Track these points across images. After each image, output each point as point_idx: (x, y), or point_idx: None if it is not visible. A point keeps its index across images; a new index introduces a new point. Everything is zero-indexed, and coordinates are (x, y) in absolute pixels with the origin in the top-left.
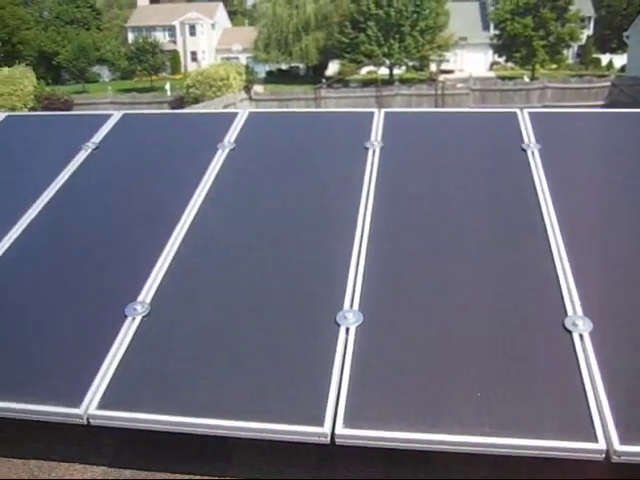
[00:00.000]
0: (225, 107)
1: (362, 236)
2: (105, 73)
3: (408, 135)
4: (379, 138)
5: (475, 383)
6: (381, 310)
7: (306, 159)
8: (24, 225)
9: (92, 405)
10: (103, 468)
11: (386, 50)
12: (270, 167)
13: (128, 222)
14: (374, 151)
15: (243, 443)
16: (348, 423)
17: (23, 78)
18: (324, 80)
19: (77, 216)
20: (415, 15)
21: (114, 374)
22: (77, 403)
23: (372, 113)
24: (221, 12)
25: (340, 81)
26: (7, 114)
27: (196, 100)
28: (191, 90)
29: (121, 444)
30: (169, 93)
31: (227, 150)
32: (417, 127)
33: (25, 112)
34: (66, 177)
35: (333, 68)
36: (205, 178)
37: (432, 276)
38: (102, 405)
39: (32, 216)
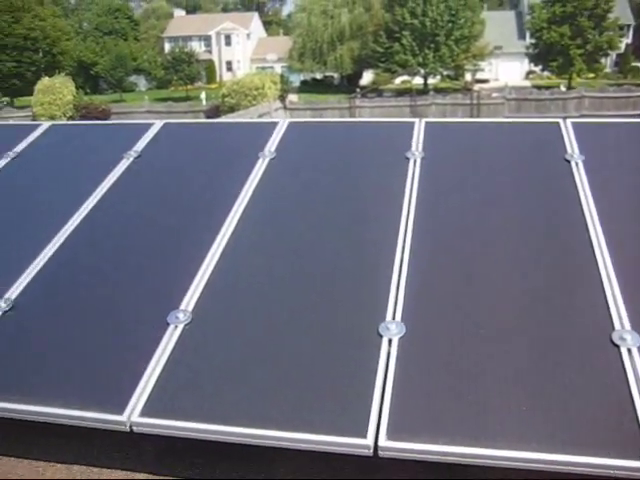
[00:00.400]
0: (260, 116)
1: (404, 246)
2: (142, 82)
3: (449, 145)
4: (420, 148)
5: (520, 396)
6: (424, 321)
7: (346, 169)
8: (67, 232)
9: (135, 412)
10: (145, 475)
11: (421, 60)
12: (311, 176)
13: (170, 230)
14: (415, 161)
15: (286, 453)
16: (391, 435)
17: (63, 87)
18: (358, 89)
19: (120, 224)
20: (450, 24)
21: (156, 382)
22: (120, 410)
23: (412, 123)
24: (256, 22)
25: (374, 90)
26: (52, 123)
27: (232, 109)
28: (227, 99)
29: (163, 452)
30: (204, 102)
31: (268, 159)
32: (458, 137)
33: (64, 121)
34: (108, 185)
35: (367, 77)
36: (246, 187)
37: (475, 288)
38: (145, 412)
39: (75, 224)
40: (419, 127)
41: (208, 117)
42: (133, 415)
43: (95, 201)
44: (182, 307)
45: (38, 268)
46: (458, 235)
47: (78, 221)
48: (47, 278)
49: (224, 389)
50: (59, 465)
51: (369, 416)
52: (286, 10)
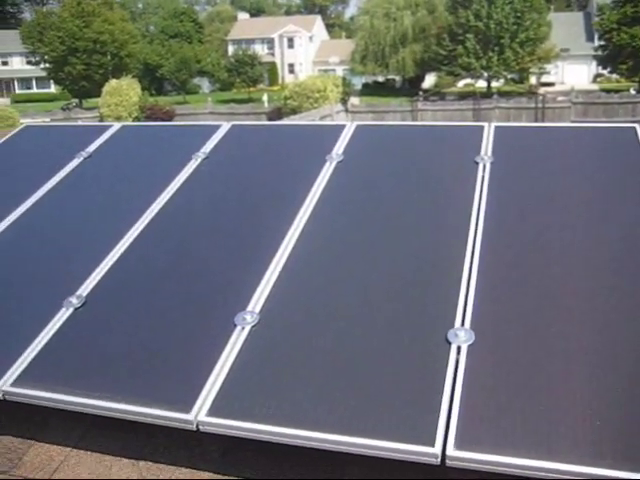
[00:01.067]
0: (322, 119)
1: (473, 252)
2: (205, 84)
3: (520, 150)
4: (489, 152)
5: (594, 410)
6: (493, 329)
7: (414, 172)
8: (137, 231)
9: (202, 412)
10: (209, 473)
11: (484, 62)
12: (378, 180)
13: (237, 232)
14: (484, 166)
15: (353, 458)
16: (459, 445)
17: (129, 89)
18: (421, 92)
19: (188, 224)
20: (515, 27)
21: (223, 382)
22: (188, 409)
23: (482, 127)
24: (319, 25)
25: (437, 94)
26: (123, 124)
27: (293, 111)
28: (289, 101)
29: (227, 451)
30: (266, 104)
31: (335, 162)
32: (529, 142)
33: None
34: (177, 186)
35: (429, 80)
36: (313, 189)
37: (547, 295)
38: (212, 412)
39: (145, 223)
40: (488, 131)
41: (270, 119)
42: (200, 414)
43: (164, 201)
44: (249, 308)
45: (109, 266)
46: (529, 242)
47: (147, 220)
48: (117, 276)
49: (290, 392)
50: (125, 460)
51: (437, 424)
52: (349, 13)
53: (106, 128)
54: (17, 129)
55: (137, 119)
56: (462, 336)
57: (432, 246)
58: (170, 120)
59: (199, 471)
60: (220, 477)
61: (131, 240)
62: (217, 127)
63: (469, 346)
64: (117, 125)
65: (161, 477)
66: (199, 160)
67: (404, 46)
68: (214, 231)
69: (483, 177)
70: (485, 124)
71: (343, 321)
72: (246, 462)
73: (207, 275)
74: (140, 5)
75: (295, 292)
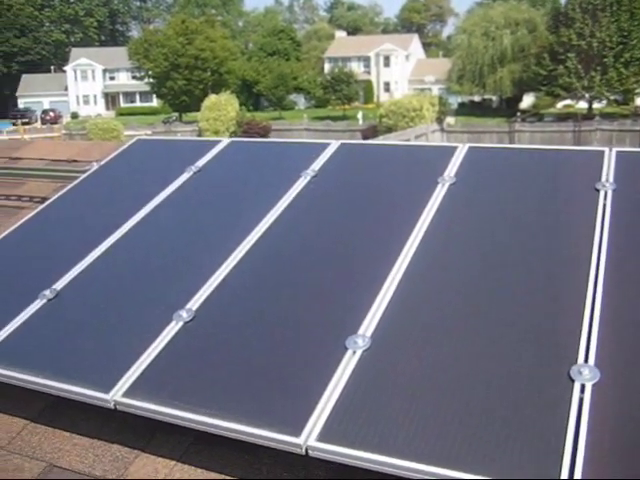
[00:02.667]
0: (417, 138)
1: (596, 283)
2: (301, 101)
3: None
4: (611, 179)
5: None
6: (621, 367)
7: (532, 197)
8: (246, 248)
9: (312, 436)
10: None
11: (586, 83)
12: (495, 204)
13: (348, 252)
14: (606, 193)
15: None
16: None
17: (227, 104)
18: (518, 113)
19: (297, 243)
20: (620, 46)
21: (334, 407)
22: (297, 432)
23: (602, 152)
24: (416, 44)
25: (535, 115)
26: (232, 139)
27: (389, 130)
28: (384, 120)
29: (334, 477)
30: (361, 122)
31: (447, 184)
32: None
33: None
34: (286, 203)
35: (527, 101)
36: (426, 211)
37: None
38: (321, 438)
39: (254, 240)
40: (609, 157)
41: (365, 137)
42: (310, 439)
43: (273, 218)
44: (360, 332)
45: (218, 282)
46: None
47: (257, 237)
48: (226, 292)
49: (404, 422)
50: (229, 478)
51: (560, 467)
52: (446, 32)
53: (215, 143)
54: (131, 141)
55: (234, 134)
56: (586, 374)
57: (554, 276)
58: (266, 135)
59: None
60: None
61: (240, 256)
62: (326, 145)
63: (593, 385)
64: (226, 140)
65: None
66: (308, 178)
67: (502, 65)
68: (324, 251)
69: (605, 205)
70: (605, 149)
71: (458, 350)
72: None
73: (317, 295)
74: (240, 23)
75: (408, 317)
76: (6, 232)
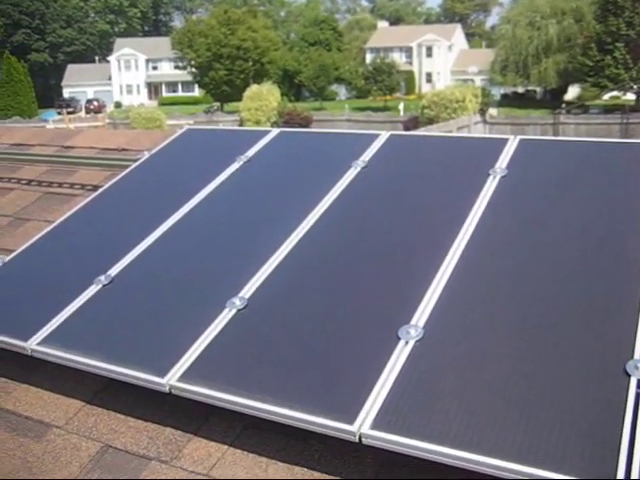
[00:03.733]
0: (459, 129)
1: None
2: (342, 91)
3: None
4: None
5: None
6: None
7: (587, 193)
8: (298, 237)
9: (365, 424)
10: None
11: (634, 74)
12: (548, 197)
13: (400, 244)
14: None
15: None
16: None
17: (269, 95)
18: (563, 105)
19: (348, 232)
20: None
21: (387, 396)
22: (351, 420)
23: None
24: (459, 34)
25: (580, 106)
26: (281, 129)
27: (430, 121)
28: (426, 111)
29: (383, 466)
30: (402, 113)
31: (499, 176)
32: None
33: (267, 126)
34: (337, 193)
35: (572, 92)
36: (477, 203)
37: None
38: (374, 426)
39: (305, 230)
40: None
41: (406, 128)
42: (363, 427)
43: (324, 209)
44: (413, 322)
45: (270, 270)
46: None
47: (307, 227)
48: (278, 281)
49: (457, 412)
50: (281, 464)
51: (616, 466)
52: (490, 22)
53: (265, 133)
54: (181, 131)
55: (275, 124)
56: None
57: (608, 270)
58: (307, 126)
59: None
60: None
61: (291, 246)
62: (375, 136)
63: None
64: (275, 130)
65: None
66: (358, 169)
67: (547, 56)
68: (375, 241)
69: None
70: None
71: (515, 342)
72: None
73: (369, 285)
74: (282, 13)
75: (462, 308)
76: (61, 219)
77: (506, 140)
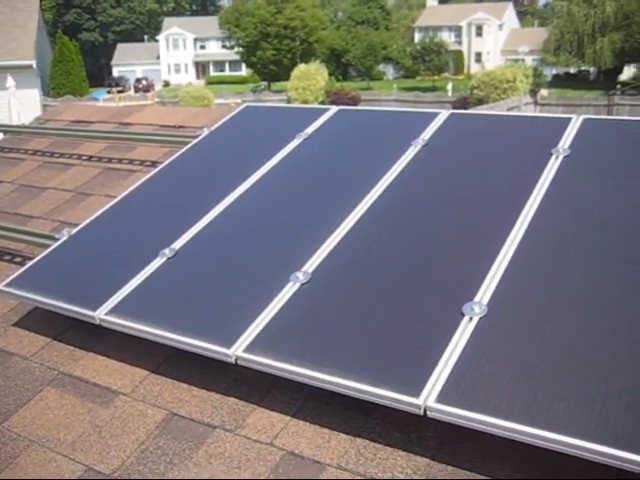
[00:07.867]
0: (509, 110)
1: None
2: (389, 71)
3: None
4: None
5: None
6: None
7: None
8: (358, 216)
9: (430, 398)
10: (426, 460)
11: None
12: (614, 178)
13: (462, 222)
14: None
15: (577, 461)
16: None
17: (317, 74)
18: (618, 86)
19: (410, 212)
20: None
21: (451, 371)
22: (416, 393)
23: None
24: (510, 12)
25: (636, 87)
26: (340, 107)
27: (480, 102)
28: (475, 91)
29: (444, 439)
30: (450, 93)
31: (561, 156)
32: None
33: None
34: (397, 171)
35: (628, 73)
36: (540, 182)
37: None
38: (439, 399)
39: (366, 207)
40: None
41: (455, 108)
42: (429, 400)
43: (384, 186)
44: (477, 299)
45: (333, 245)
46: None
47: (369, 204)
48: (341, 256)
49: (522, 388)
50: (343, 435)
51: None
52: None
53: (324, 111)
54: (239, 108)
55: (322, 103)
56: None
57: None
58: (355, 105)
59: (416, 456)
60: (436, 464)
61: (353, 223)
62: (435, 115)
63: None
64: (334, 108)
65: (377, 456)
66: (418, 147)
67: (603, 35)
68: (437, 218)
69: None
70: None
71: (574, 321)
72: (461, 455)
73: (433, 262)
74: None
75: (523, 287)
76: (123, 194)
77: (569, 119)
